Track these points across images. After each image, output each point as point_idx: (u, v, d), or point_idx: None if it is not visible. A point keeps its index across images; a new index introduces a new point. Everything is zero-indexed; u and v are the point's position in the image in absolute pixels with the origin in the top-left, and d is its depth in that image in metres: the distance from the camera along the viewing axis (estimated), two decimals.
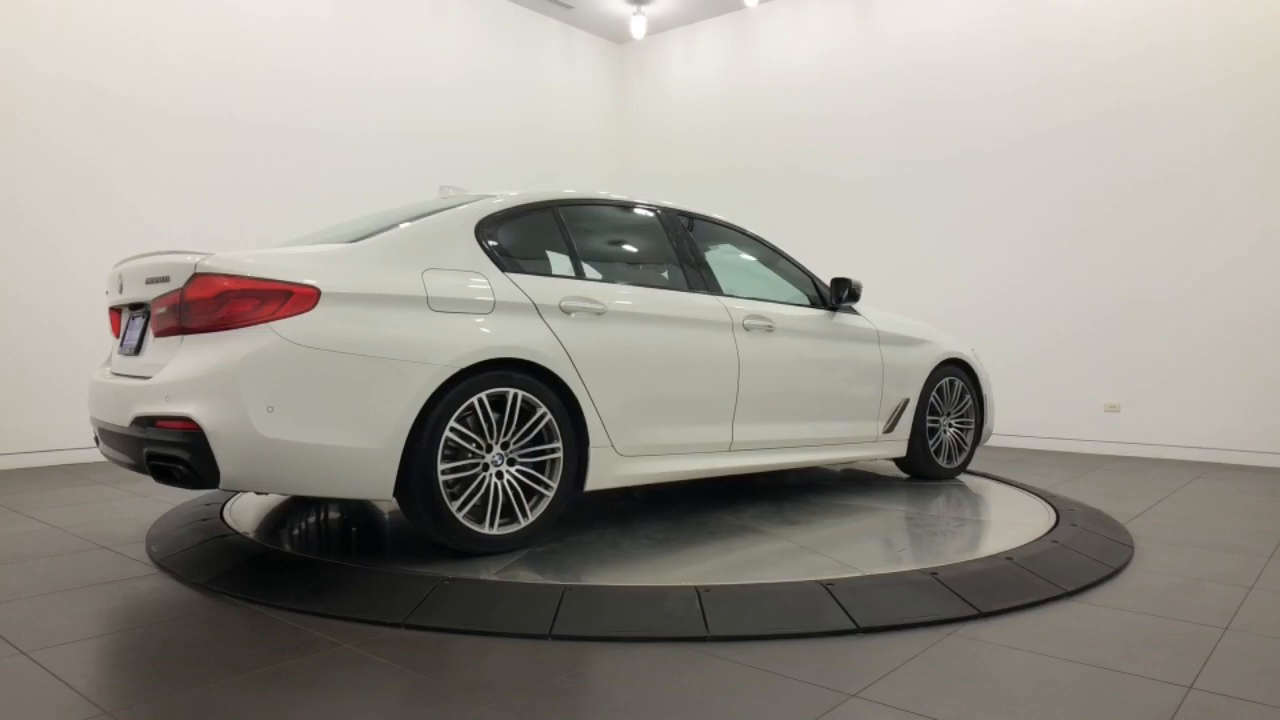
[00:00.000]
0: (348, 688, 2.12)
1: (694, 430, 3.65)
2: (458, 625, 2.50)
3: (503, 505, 3.04)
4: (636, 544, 3.31)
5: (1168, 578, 3.14)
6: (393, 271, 2.94)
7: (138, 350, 3.07)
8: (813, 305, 4.33)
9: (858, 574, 2.85)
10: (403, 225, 3.18)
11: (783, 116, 8.55)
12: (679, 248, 3.91)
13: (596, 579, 2.82)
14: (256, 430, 2.61)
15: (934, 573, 2.87)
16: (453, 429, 2.90)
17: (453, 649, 2.37)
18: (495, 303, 3.10)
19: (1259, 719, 1.98)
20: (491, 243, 3.25)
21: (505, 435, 3.05)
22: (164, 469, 2.74)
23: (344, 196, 6.90)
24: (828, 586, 2.70)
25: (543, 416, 3.11)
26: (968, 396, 4.93)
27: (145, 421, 2.76)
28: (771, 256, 4.36)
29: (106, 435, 3.08)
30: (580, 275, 3.48)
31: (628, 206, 3.96)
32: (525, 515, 3.09)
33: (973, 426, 4.96)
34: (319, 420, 2.69)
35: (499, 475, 3.04)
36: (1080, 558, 3.22)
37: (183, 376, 2.69)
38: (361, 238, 3.09)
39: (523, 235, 3.49)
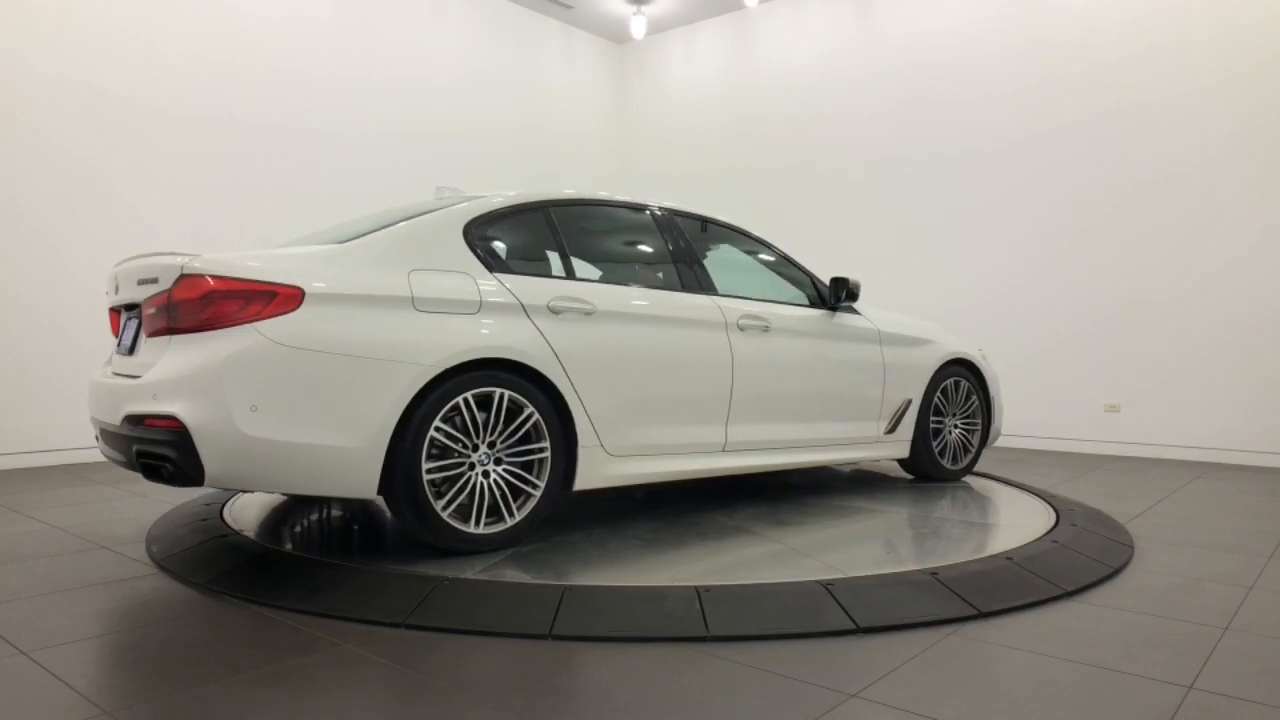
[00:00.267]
0: (348, 688, 2.12)
1: (686, 430, 3.64)
2: (458, 625, 2.50)
3: (489, 504, 3.05)
4: (624, 544, 3.31)
5: (1168, 578, 3.14)
6: (378, 272, 2.97)
7: (132, 350, 3.12)
8: (812, 305, 4.31)
9: (857, 574, 2.85)
10: (391, 226, 3.20)
11: (783, 116, 8.55)
12: (674, 248, 3.90)
13: (579, 579, 2.82)
14: (240, 429, 2.65)
15: (934, 573, 2.87)
16: (438, 428, 2.92)
17: (453, 649, 2.37)
18: (482, 303, 3.11)
19: (1259, 719, 1.98)
20: (480, 243, 3.27)
21: (492, 435, 3.06)
22: (152, 467, 2.79)
23: (344, 196, 6.90)
24: (828, 586, 2.70)
25: (530, 416, 3.12)
26: (974, 397, 4.88)
27: (134, 420, 2.81)
28: (770, 256, 4.35)
29: (104, 434, 3.12)
30: (571, 275, 3.48)
31: (622, 207, 3.96)
32: (512, 514, 3.10)
33: (979, 428, 4.92)
34: (302, 419, 2.73)
35: (485, 475, 3.05)
36: (1080, 558, 3.22)
37: (169, 376, 2.74)
38: (351, 239, 3.12)
39: (513, 236, 3.50)
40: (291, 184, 6.81)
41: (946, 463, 4.78)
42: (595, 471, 3.33)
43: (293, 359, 2.72)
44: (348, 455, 2.77)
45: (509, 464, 3.10)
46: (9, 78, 5.52)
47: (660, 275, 3.93)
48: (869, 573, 2.88)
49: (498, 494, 3.07)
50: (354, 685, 2.13)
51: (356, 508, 3.98)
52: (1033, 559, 3.11)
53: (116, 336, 3.39)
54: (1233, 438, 6.18)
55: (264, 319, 2.72)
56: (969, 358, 4.86)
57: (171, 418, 2.68)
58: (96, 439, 3.25)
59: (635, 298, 3.59)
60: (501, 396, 3.05)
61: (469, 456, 3.01)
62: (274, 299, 2.75)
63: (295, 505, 4.02)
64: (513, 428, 3.10)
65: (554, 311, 3.26)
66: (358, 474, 2.80)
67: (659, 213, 3.97)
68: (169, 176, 6.19)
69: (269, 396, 2.69)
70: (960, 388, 4.82)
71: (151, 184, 6.11)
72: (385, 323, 2.88)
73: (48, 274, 5.66)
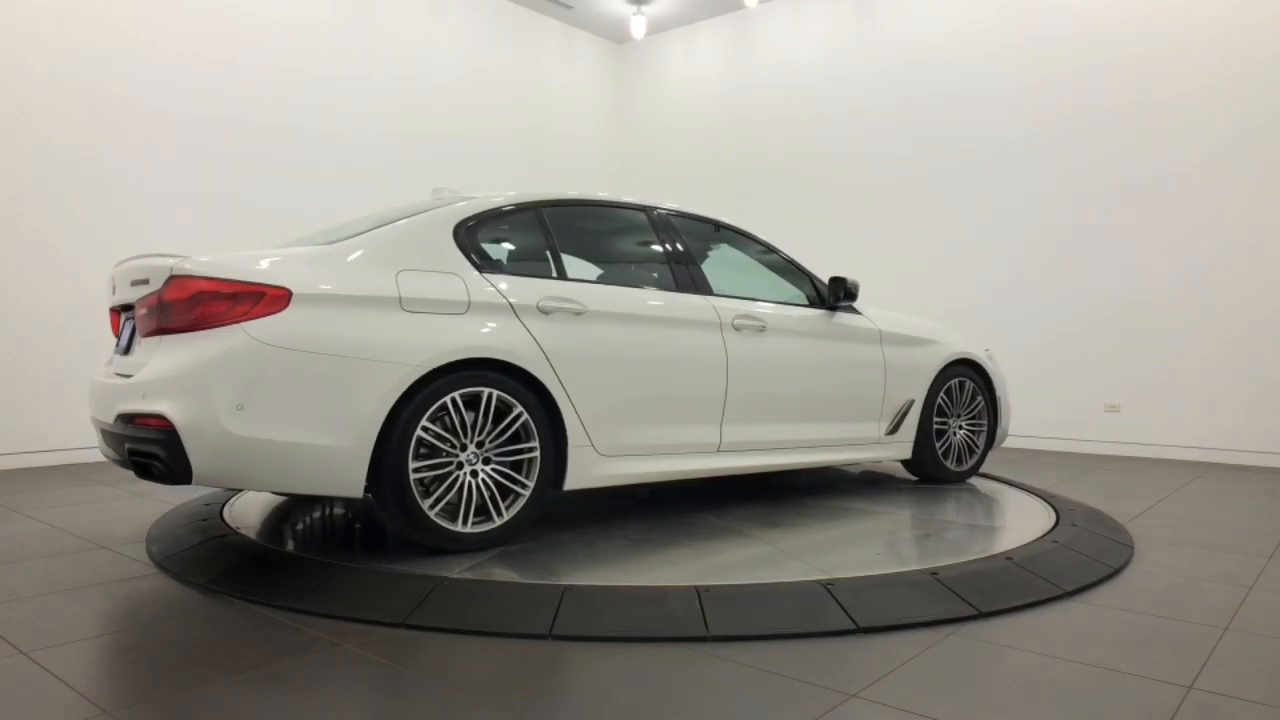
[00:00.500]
0: (348, 688, 2.12)
1: (679, 431, 3.63)
2: (458, 625, 2.49)
3: (477, 504, 3.06)
4: (612, 544, 3.30)
5: (1168, 578, 3.14)
6: (366, 273, 2.99)
7: (128, 350, 3.16)
8: (811, 305, 4.30)
9: (857, 575, 2.85)
10: (381, 227, 3.22)
11: (783, 116, 8.55)
12: (669, 248, 3.89)
13: (566, 578, 2.82)
14: (226, 428, 2.68)
15: (934, 573, 2.87)
16: (425, 428, 2.94)
17: (453, 649, 2.37)
18: (470, 303, 3.12)
19: (1259, 719, 1.98)
20: (471, 244, 3.28)
21: (480, 435, 3.07)
22: (143, 465, 2.82)
23: (344, 196, 6.90)
24: (828, 586, 2.70)
25: (518, 416, 3.13)
26: (979, 398, 4.81)
27: (126, 419, 2.85)
28: (769, 256, 4.33)
29: (102, 434, 3.14)
30: (562, 276, 3.48)
31: (616, 207, 3.95)
32: (500, 514, 3.11)
33: (985, 429, 4.84)
34: (289, 418, 2.75)
35: (474, 474, 3.06)
36: (1080, 558, 3.22)
37: (158, 375, 2.78)
38: (341, 239, 3.15)
39: (505, 236, 3.52)
40: (292, 184, 6.81)
41: (951, 464, 4.71)
42: (586, 471, 3.34)
43: (279, 359, 2.75)
44: (334, 454, 2.79)
45: (498, 463, 3.12)
46: (9, 78, 5.52)
47: (655, 275, 3.92)
48: (869, 573, 2.88)
49: (486, 493, 3.08)
50: (354, 685, 2.13)
51: (358, 507, 3.98)
52: (1033, 559, 3.11)
53: (117, 336, 3.41)
54: (1233, 438, 6.18)
55: (251, 319, 2.75)
56: (974, 358, 4.79)
57: (160, 416, 2.71)
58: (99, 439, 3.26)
59: (627, 298, 3.59)
60: (489, 396, 3.06)
61: (457, 456, 3.03)
62: (261, 299, 2.78)
63: (295, 505, 4.02)
64: (501, 427, 3.11)
65: (544, 312, 3.27)
66: (344, 473, 2.82)
67: (654, 213, 3.96)
68: (169, 176, 6.19)
69: (255, 395, 2.72)
70: (965, 388, 4.76)
71: (152, 184, 6.11)
72: (372, 323, 2.91)
73: (48, 274, 5.66)
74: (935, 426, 4.62)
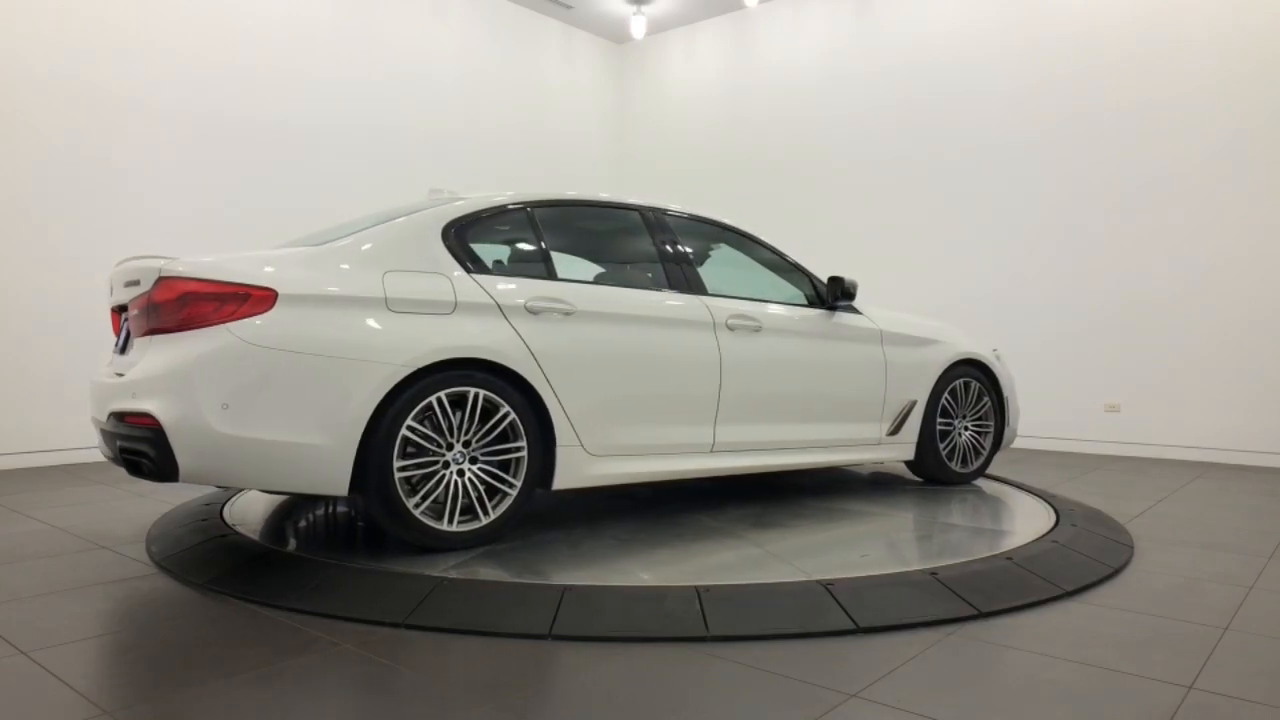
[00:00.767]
0: (348, 688, 2.12)
1: (672, 431, 3.62)
2: (458, 625, 2.50)
3: (464, 502, 3.08)
4: (600, 544, 3.31)
5: (1168, 578, 3.14)
6: (353, 274, 3.02)
7: (124, 350, 3.22)
8: (811, 305, 4.27)
9: (858, 574, 2.85)
10: (370, 228, 3.25)
11: (782, 116, 8.55)
12: (662, 247, 3.88)
13: (552, 578, 2.83)
14: (212, 426, 2.72)
15: (934, 573, 2.87)
16: (410, 427, 2.95)
17: (453, 649, 2.37)
18: (457, 303, 3.13)
19: (1259, 719, 1.98)
20: (459, 245, 3.29)
21: (467, 434, 3.08)
22: (134, 463, 2.89)
23: (344, 196, 6.90)
24: (828, 586, 2.70)
25: (505, 416, 3.14)
26: (985, 399, 4.74)
27: (118, 417, 2.91)
28: (767, 255, 4.30)
29: (100, 432, 3.18)
30: (552, 276, 3.49)
31: (608, 206, 3.94)
32: (487, 513, 3.12)
33: (991, 430, 4.77)
34: (274, 417, 2.79)
35: (460, 473, 3.07)
36: (1080, 558, 3.22)
37: (147, 375, 2.84)
38: (331, 240, 3.18)
39: (494, 237, 3.53)
40: (292, 183, 6.81)
41: (955, 465, 4.65)
42: (575, 471, 3.34)
43: (265, 358, 2.79)
44: (318, 453, 2.83)
45: (485, 463, 3.13)
46: (9, 78, 5.52)
47: (648, 275, 3.90)
48: (869, 573, 2.88)
49: (472, 492, 3.09)
50: (354, 685, 2.13)
51: (359, 507, 3.98)
52: (1033, 559, 3.11)
53: (117, 336, 3.43)
54: (1233, 438, 6.18)
55: (237, 319, 2.80)
56: (980, 358, 4.73)
57: (148, 415, 2.77)
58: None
59: (617, 298, 3.58)
60: (476, 396, 3.08)
61: (443, 455, 3.05)
62: (247, 300, 2.82)
63: (295, 505, 4.02)
64: (488, 427, 3.12)
65: (532, 312, 3.27)
66: (329, 471, 2.85)
67: (648, 213, 3.94)
68: (170, 176, 6.19)
69: (241, 395, 2.76)
70: (971, 389, 4.69)
71: (152, 184, 6.10)
72: (357, 323, 2.94)
73: (48, 274, 5.66)
74: (939, 427, 4.57)
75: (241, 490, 4.25)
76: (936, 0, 7.61)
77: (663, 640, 2.43)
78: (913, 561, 3.18)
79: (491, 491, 3.14)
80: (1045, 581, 2.93)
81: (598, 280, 3.78)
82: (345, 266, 3.04)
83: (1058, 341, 6.86)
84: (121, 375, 2.99)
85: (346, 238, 3.19)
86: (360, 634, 2.46)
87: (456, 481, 3.06)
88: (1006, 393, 4.86)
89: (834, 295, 4.26)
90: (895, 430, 4.43)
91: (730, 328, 3.80)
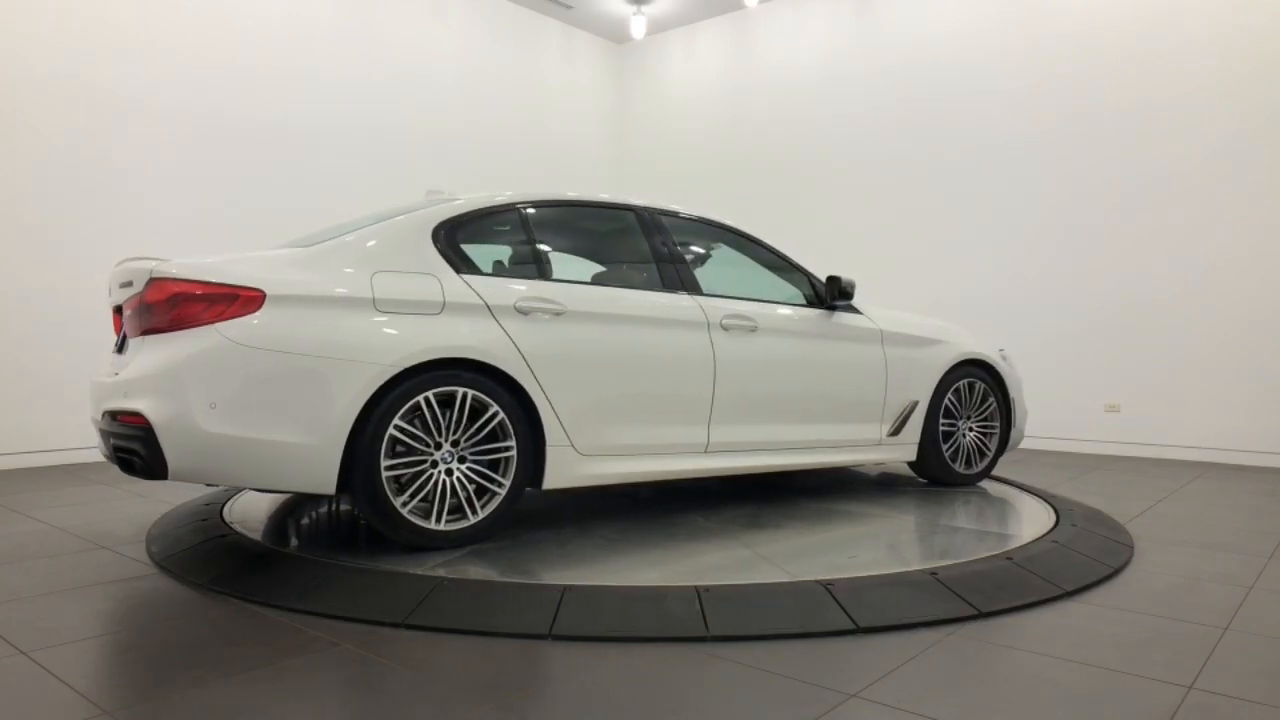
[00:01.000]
0: (348, 688, 2.12)
1: (664, 431, 3.62)
2: (458, 625, 2.50)
3: (452, 501, 3.10)
4: (588, 543, 3.31)
5: (1168, 578, 3.14)
6: (341, 274, 3.06)
7: (121, 350, 3.25)
8: (809, 305, 4.25)
9: (858, 574, 2.85)
10: (360, 230, 3.29)
11: (783, 116, 8.55)
12: (656, 247, 3.87)
13: (539, 577, 2.84)
14: (199, 425, 2.77)
15: (934, 573, 2.87)
16: (398, 427, 2.98)
17: (453, 649, 2.37)
18: (445, 304, 3.15)
19: (1259, 719, 1.98)
20: (449, 245, 3.31)
21: (455, 434, 3.10)
22: (126, 460, 2.96)
23: (344, 196, 6.90)
24: (828, 586, 2.70)
25: (494, 415, 3.15)
26: (991, 399, 4.69)
27: (111, 416, 2.97)
28: (766, 255, 4.28)
29: (99, 431, 3.21)
30: (543, 276, 3.50)
31: (602, 206, 3.94)
32: (475, 512, 3.13)
33: (997, 431, 4.70)
34: (261, 416, 2.83)
35: (449, 472, 3.09)
36: (1080, 558, 3.22)
37: (138, 374, 2.89)
38: (323, 241, 3.22)
39: (485, 237, 3.53)
40: (292, 183, 6.82)
41: (960, 467, 4.59)
42: (566, 471, 3.35)
43: (252, 358, 2.83)
44: (306, 452, 2.86)
45: (474, 462, 3.14)
46: (9, 78, 5.52)
47: (641, 275, 3.89)
48: (869, 573, 2.88)
49: (461, 493, 3.11)
50: (354, 685, 2.13)
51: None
52: (1033, 559, 3.11)
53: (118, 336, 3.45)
54: (1233, 438, 6.18)
55: (225, 320, 2.84)
56: (985, 358, 4.66)
57: (138, 414, 2.82)
58: None
59: (608, 298, 3.58)
60: (464, 396, 3.09)
61: (431, 454, 3.06)
62: (236, 301, 2.87)
63: (295, 505, 4.02)
64: (477, 426, 3.13)
65: (521, 312, 3.28)
66: (316, 470, 2.88)
67: (642, 213, 3.93)
68: (170, 176, 6.19)
69: (228, 394, 2.80)
70: (975, 389, 4.63)
71: (152, 184, 6.11)
72: (345, 323, 2.96)
73: (48, 274, 5.66)
74: (943, 428, 4.52)
75: (241, 490, 4.25)
76: (936, 0, 7.61)
77: (662, 640, 2.43)
78: (913, 561, 3.18)
79: (481, 491, 3.16)
80: (1045, 581, 2.93)
81: (590, 281, 3.77)
82: (334, 267, 3.07)
83: (1058, 341, 6.86)
84: (117, 375, 3.03)
85: (337, 239, 3.23)
86: (360, 634, 2.46)
87: (445, 481, 3.08)
88: (1013, 393, 4.79)
89: (832, 295, 4.22)
90: (896, 431, 4.39)
91: (725, 328, 3.79)
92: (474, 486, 3.14)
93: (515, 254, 3.62)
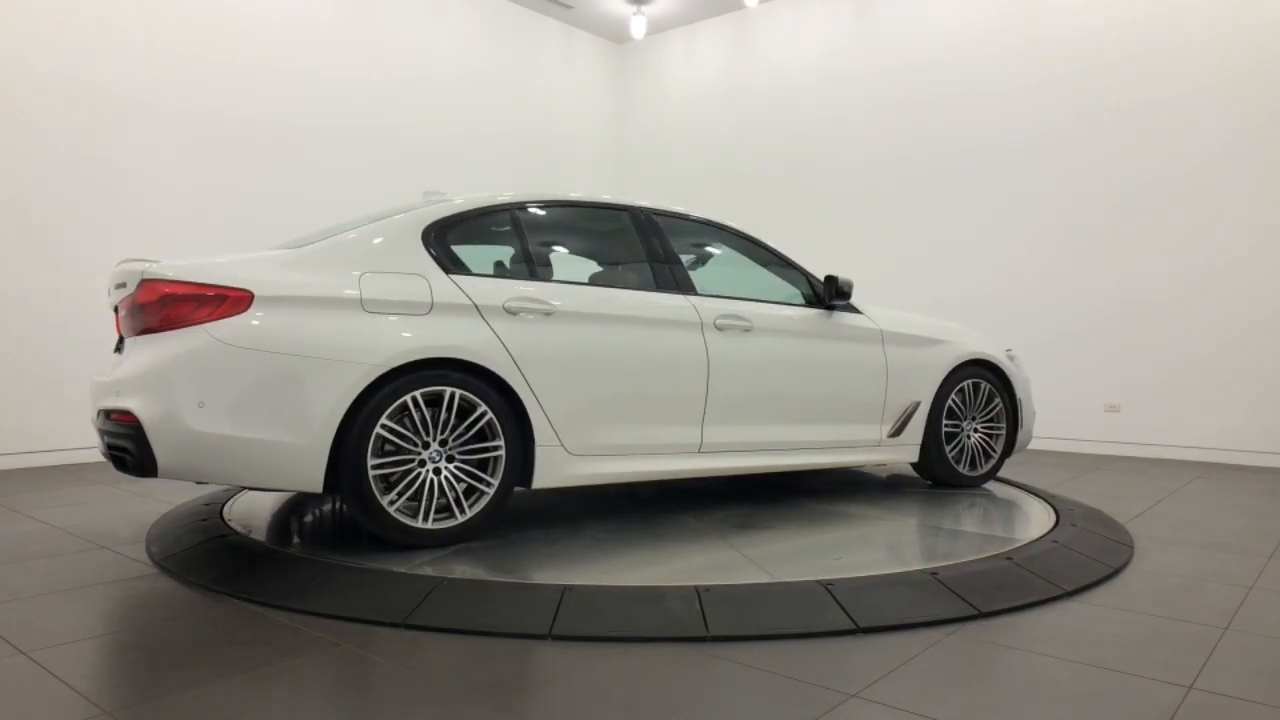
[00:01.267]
0: (348, 688, 2.12)
1: (656, 431, 3.61)
2: (458, 625, 2.50)
3: (440, 501, 3.12)
4: (576, 543, 3.31)
5: (1168, 578, 3.14)
6: (329, 275, 3.09)
7: (119, 350, 3.32)
8: (808, 305, 4.22)
9: (858, 574, 2.85)
10: (351, 230, 3.32)
11: (783, 116, 8.55)
12: (650, 247, 3.86)
13: (517, 576, 2.85)
14: (187, 424, 2.82)
15: (934, 573, 2.87)
16: (384, 426, 3.00)
17: (453, 649, 2.37)
18: (433, 304, 3.17)
19: (1259, 719, 1.98)
20: (439, 246, 3.32)
21: (443, 433, 3.11)
22: (119, 458, 3.02)
23: (344, 196, 6.89)
24: (828, 586, 2.70)
25: (482, 415, 3.16)
26: (997, 400, 4.62)
27: (105, 414, 3.03)
28: (764, 256, 4.26)
29: (97, 429, 3.24)
30: (533, 276, 3.51)
31: (595, 206, 3.95)
32: (463, 511, 3.15)
33: (1003, 432, 4.63)
34: (249, 415, 2.87)
35: (437, 471, 3.11)
36: (1080, 558, 3.22)
37: (129, 374, 2.96)
38: (314, 242, 3.26)
39: (476, 238, 3.54)
40: (292, 183, 6.81)
41: (964, 468, 4.53)
42: (555, 470, 3.36)
43: (240, 358, 2.87)
44: (293, 451, 2.89)
45: (462, 461, 3.16)
46: (9, 78, 5.52)
47: (635, 275, 3.88)
48: (870, 573, 2.87)
49: (450, 492, 3.12)
50: (354, 685, 2.13)
51: None
52: (1033, 559, 3.11)
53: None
54: (1233, 438, 6.18)
55: (214, 320, 2.89)
56: (990, 358, 4.61)
57: (128, 412, 2.87)
58: None
59: (598, 298, 3.58)
60: (453, 395, 3.11)
61: (419, 453, 3.08)
62: (224, 301, 2.91)
63: (295, 505, 4.02)
64: (465, 426, 3.15)
65: (510, 312, 3.29)
66: (303, 469, 2.91)
67: (636, 212, 3.93)
68: (170, 176, 6.19)
69: (216, 393, 2.85)
70: (980, 390, 4.57)
71: (152, 184, 6.10)
72: (332, 324, 3.00)
73: (48, 274, 5.66)
74: (946, 429, 4.47)
75: (241, 490, 4.25)
76: (936, 0, 7.61)
77: (662, 640, 2.43)
78: (912, 562, 3.18)
79: (471, 490, 3.18)
80: (1045, 581, 2.93)
81: (582, 280, 3.76)
82: (323, 268, 3.10)
83: (1058, 341, 6.86)
84: (112, 374, 3.09)
85: (327, 240, 3.27)
86: (361, 634, 2.46)
87: (433, 479, 3.10)
88: (1020, 394, 4.73)
89: (829, 294, 4.18)
90: (897, 432, 4.35)
91: (719, 328, 3.78)
92: (463, 486, 3.16)
93: (507, 254, 3.63)
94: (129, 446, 2.89)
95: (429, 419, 3.08)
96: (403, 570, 2.85)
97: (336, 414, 2.92)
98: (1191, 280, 6.34)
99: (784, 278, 4.29)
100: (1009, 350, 4.84)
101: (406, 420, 3.06)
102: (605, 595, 2.67)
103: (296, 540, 3.43)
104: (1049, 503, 4.17)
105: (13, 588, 2.92)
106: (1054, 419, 6.83)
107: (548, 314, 3.37)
